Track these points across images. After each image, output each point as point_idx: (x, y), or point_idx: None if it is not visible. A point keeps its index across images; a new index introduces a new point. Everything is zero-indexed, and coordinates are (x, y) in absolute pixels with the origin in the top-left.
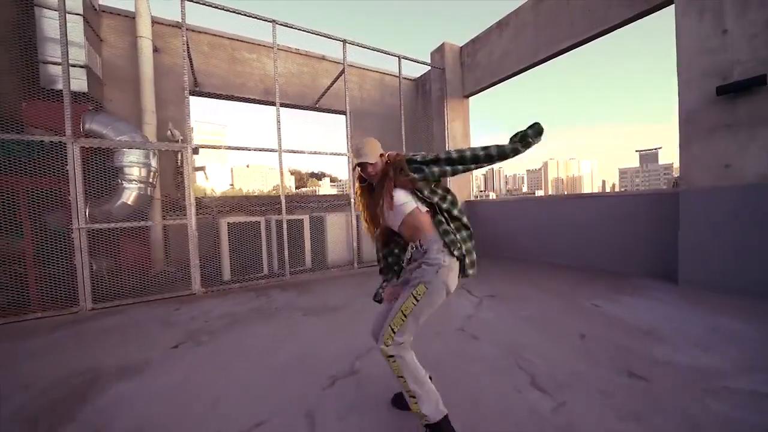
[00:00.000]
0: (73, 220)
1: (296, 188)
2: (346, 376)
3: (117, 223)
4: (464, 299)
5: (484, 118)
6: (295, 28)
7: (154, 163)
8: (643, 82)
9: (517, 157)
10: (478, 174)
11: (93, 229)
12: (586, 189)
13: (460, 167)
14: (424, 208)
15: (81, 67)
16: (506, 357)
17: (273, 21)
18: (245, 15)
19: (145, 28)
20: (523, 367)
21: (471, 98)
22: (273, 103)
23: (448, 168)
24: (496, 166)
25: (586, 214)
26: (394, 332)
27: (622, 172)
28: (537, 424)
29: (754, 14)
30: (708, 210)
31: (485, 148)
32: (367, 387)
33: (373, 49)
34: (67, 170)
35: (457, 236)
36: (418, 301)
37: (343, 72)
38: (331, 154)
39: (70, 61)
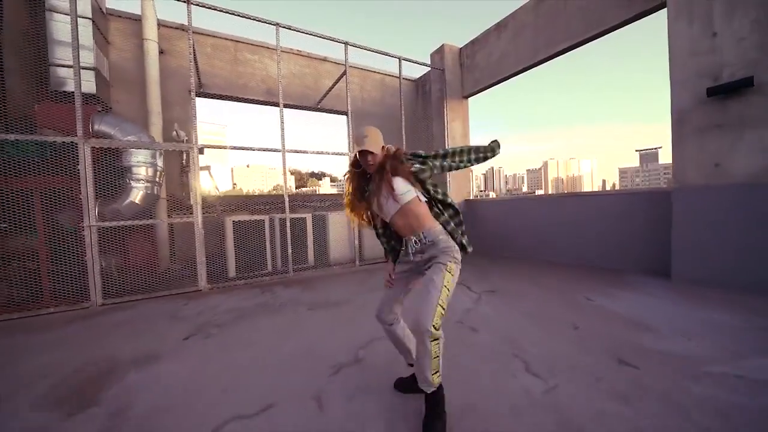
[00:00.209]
0: (84, 218)
1: (296, 188)
2: (350, 364)
3: (125, 221)
4: (464, 295)
5: (483, 118)
6: (298, 31)
7: (160, 163)
8: (642, 81)
9: (487, 159)
10: (478, 174)
11: (102, 227)
12: (587, 189)
13: (457, 159)
14: (423, 198)
15: (90, 69)
16: (502, 346)
17: (276, 24)
18: (250, 18)
19: (151, 31)
20: (518, 355)
21: (470, 99)
22: (275, 104)
23: (447, 162)
24: (496, 166)
25: (584, 213)
26: (439, 319)
27: (622, 172)
28: (530, 403)
29: (741, 18)
30: (699, 208)
31: (477, 149)
32: (371, 373)
33: (375, 51)
34: (78, 170)
35: (453, 222)
36: (449, 290)
37: (344, 73)
38: (333, 153)
39: (80, 64)
